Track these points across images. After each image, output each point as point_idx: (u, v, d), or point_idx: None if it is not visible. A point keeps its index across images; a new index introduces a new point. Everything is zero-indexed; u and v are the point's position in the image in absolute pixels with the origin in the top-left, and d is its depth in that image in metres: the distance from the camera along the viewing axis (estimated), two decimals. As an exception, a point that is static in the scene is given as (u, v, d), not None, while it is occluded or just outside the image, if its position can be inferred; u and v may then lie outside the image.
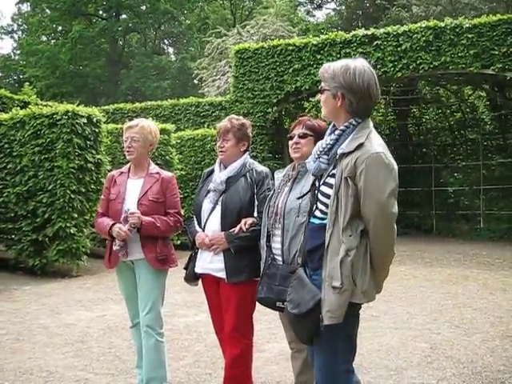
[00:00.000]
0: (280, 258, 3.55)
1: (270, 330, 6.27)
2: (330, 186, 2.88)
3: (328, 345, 2.90)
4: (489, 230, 17.63)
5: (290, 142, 3.74)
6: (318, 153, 2.97)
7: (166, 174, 4.45)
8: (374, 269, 2.85)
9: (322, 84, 2.97)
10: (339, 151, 2.86)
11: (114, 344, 6.01)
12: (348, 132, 2.90)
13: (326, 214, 2.89)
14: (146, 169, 4.40)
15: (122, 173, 4.46)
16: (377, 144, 2.83)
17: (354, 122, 2.91)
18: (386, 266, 2.93)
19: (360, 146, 2.79)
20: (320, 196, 2.97)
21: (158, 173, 4.39)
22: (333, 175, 2.88)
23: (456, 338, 6.15)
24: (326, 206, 2.90)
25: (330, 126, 3.07)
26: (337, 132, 2.94)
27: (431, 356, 5.51)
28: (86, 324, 6.89)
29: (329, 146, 2.94)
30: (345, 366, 2.97)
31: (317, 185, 3.06)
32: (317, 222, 2.97)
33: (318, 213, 2.98)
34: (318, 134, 3.63)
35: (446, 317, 7.12)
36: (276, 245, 3.58)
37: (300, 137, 3.69)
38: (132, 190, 4.29)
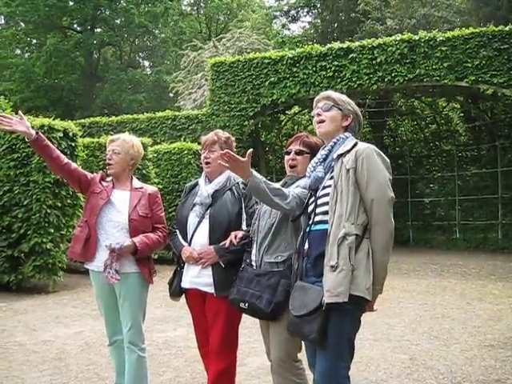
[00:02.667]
0: (254, 263, 3.64)
1: (249, 344, 6.25)
2: (330, 187, 3.14)
3: (333, 348, 3.03)
4: (465, 240, 17.85)
5: (286, 158, 3.79)
6: (314, 165, 3.28)
7: (150, 188, 4.44)
8: (375, 265, 3.04)
9: (330, 103, 3.36)
10: (335, 155, 3.22)
11: (92, 361, 5.93)
12: (339, 143, 3.29)
13: (327, 214, 3.12)
14: (128, 183, 4.36)
15: (103, 179, 4.39)
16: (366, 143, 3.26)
17: (343, 136, 3.32)
18: (386, 258, 3.11)
19: (355, 144, 3.20)
20: (320, 200, 3.20)
21: (142, 187, 4.37)
22: (331, 178, 3.15)
23: (435, 348, 6.19)
24: (327, 207, 3.14)
25: (321, 148, 3.41)
26: (330, 143, 3.32)
27: (411, 367, 5.54)
28: (63, 341, 6.80)
29: (324, 157, 3.31)
30: (345, 371, 3.09)
31: (315, 196, 3.26)
32: (321, 227, 3.15)
33: (319, 218, 3.19)
34: (314, 152, 3.69)
35: (425, 328, 7.17)
36: (253, 249, 3.68)
37: (296, 153, 3.73)
38: (118, 200, 4.24)
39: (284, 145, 15.85)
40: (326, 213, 3.14)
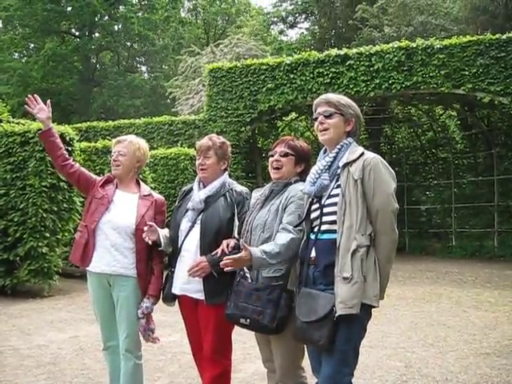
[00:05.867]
0: (248, 275, 3.60)
1: (244, 350, 6.24)
2: (337, 196, 3.15)
3: (340, 354, 3.05)
4: (461, 248, 17.85)
5: (271, 160, 3.75)
6: (319, 172, 3.26)
7: (157, 196, 4.39)
8: (380, 273, 3.07)
9: (331, 109, 3.34)
10: (341, 164, 3.24)
11: (86, 366, 5.92)
12: (344, 149, 3.31)
13: (335, 224, 3.13)
14: (133, 186, 4.34)
15: (108, 182, 4.34)
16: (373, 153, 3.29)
17: (346, 142, 3.34)
18: (389, 266, 3.17)
19: (362, 154, 3.22)
20: (327, 209, 3.20)
21: (150, 194, 4.32)
22: (338, 186, 3.16)
23: (430, 356, 6.19)
24: (335, 216, 3.14)
25: (321, 152, 3.40)
26: (334, 150, 3.32)
27: (406, 375, 5.53)
28: (58, 345, 6.78)
29: (329, 164, 3.30)
30: (349, 377, 3.11)
31: (320, 203, 3.26)
32: (329, 237, 3.17)
33: (326, 227, 3.20)
34: (300, 155, 3.69)
35: (420, 335, 7.16)
36: None
37: (281, 155, 3.70)
38: (121, 202, 4.20)
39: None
40: (333, 222, 3.15)
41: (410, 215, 19.76)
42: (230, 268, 3.27)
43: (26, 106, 4.24)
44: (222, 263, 3.26)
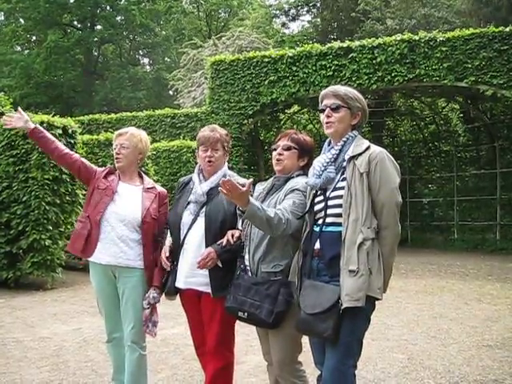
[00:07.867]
0: (249, 268, 3.60)
1: (247, 342, 6.25)
2: (342, 188, 3.16)
3: (344, 345, 3.07)
4: (463, 241, 17.88)
5: (274, 153, 3.74)
6: (325, 164, 3.27)
7: (160, 189, 4.40)
8: (384, 266, 3.11)
9: (338, 102, 3.33)
10: (346, 156, 3.25)
11: (90, 357, 5.93)
12: (349, 142, 3.31)
13: (341, 216, 3.14)
14: (136, 178, 4.35)
15: (110, 173, 4.33)
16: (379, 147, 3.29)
17: (352, 135, 3.34)
18: (392, 259, 3.20)
19: (368, 147, 3.24)
20: (332, 202, 3.21)
21: (153, 187, 4.34)
22: (343, 179, 3.17)
23: (433, 348, 6.20)
24: (341, 209, 3.15)
25: (325, 144, 3.40)
26: (340, 143, 3.33)
27: (408, 367, 5.54)
28: (61, 337, 6.80)
29: (335, 156, 3.30)
30: (353, 369, 3.14)
31: (325, 196, 3.27)
32: (334, 229, 3.17)
33: (331, 219, 3.20)
34: (303, 148, 3.68)
35: (423, 327, 7.17)
36: (246, 255, 3.63)
37: (284, 149, 3.69)
38: (125, 194, 4.20)
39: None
40: (338, 215, 3.16)
41: (413, 208, 19.77)
42: (226, 188, 3.08)
43: (4, 124, 4.20)
44: (223, 181, 3.08)
